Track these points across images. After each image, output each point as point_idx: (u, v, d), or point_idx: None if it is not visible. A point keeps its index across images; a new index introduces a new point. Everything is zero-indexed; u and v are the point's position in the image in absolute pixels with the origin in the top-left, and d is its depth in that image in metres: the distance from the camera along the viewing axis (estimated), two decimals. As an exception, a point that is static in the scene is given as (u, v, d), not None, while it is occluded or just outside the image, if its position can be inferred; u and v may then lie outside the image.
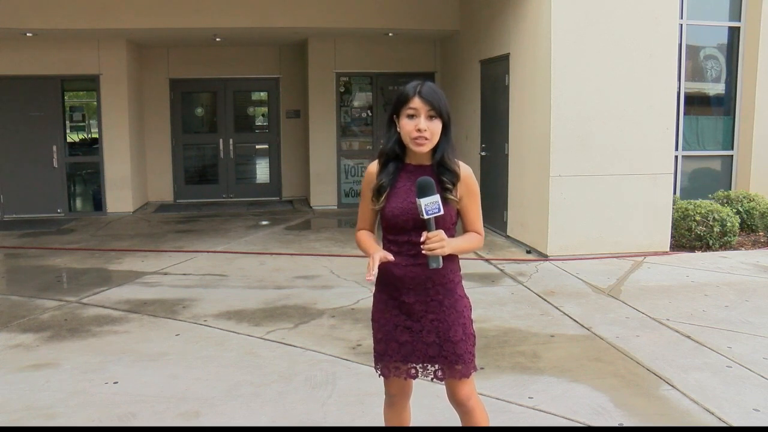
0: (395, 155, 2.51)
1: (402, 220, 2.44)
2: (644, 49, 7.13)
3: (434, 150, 2.47)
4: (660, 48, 7.18)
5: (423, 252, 2.35)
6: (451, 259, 2.51)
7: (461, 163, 2.51)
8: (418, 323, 2.52)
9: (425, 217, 2.32)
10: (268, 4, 9.52)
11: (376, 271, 2.34)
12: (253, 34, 10.44)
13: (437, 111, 2.40)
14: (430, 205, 2.32)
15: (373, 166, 2.57)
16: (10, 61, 10.10)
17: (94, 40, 10.21)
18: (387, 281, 2.54)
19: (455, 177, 2.47)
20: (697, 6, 8.95)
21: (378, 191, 2.50)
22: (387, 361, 2.57)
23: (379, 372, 2.62)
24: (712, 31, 9.25)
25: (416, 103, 2.40)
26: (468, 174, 2.51)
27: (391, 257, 2.39)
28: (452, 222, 2.49)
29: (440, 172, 2.46)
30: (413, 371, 2.57)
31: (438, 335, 2.50)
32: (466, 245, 2.52)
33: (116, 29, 9.42)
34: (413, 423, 2.93)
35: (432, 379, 2.58)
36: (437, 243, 2.34)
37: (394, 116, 2.48)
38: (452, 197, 2.45)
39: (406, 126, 2.41)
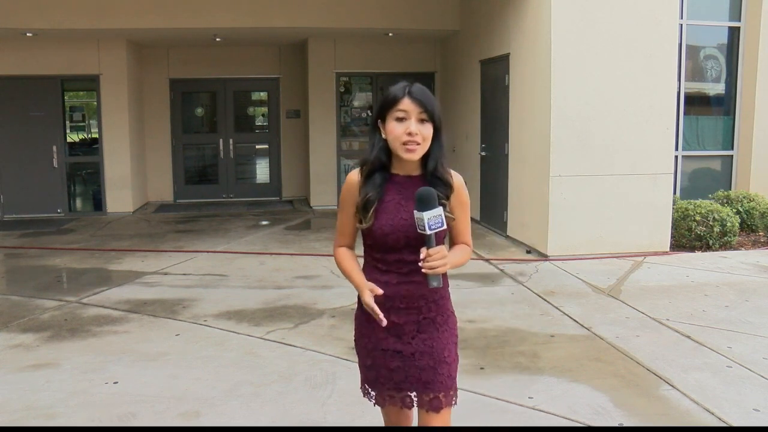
0: (381, 165, 2.24)
1: (392, 239, 2.20)
2: (644, 50, 7.13)
3: (425, 159, 2.22)
4: (660, 48, 7.18)
5: (423, 271, 2.10)
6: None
7: (453, 172, 2.29)
8: (409, 345, 2.26)
9: (428, 232, 2.07)
10: (268, 4, 9.52)
11: (382, 315, 2.19)
12: (253, 34, 10.44)
13: (429, 114, 2.16)
14: (434, 219, 2.07)
15: (354, 176, 2.29)
16: (10, 61, 10.10)
17: (94, 40, 10.21)
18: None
19: (450, 189, 2.24)
20: (697, 6, 8.95)
21: (365, 206, 2.22)
22: (380, 389, 2.33)
23: (374, 401, 2.39)
24: (712, 31, 9.25)
25: (406, 104, 2.15)
26: (460, 184, 2.30)
27: (378, 291, 2.20)
28: (444, 235, 2.24)
29: (433, 184, 2.20)
30: (408, 400, 2.31)
31: (432, 357, 2.26)
32: (461, 259, 2.31)
33: (116, 29, 9.42)
34: None
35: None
36: (439, 261, 2.09)
37: (379, 121, 2.23)
38: (448, 213, 2.21)
39: (395, 130, 2.16)
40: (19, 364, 4.34)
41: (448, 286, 2.33)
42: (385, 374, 2.30)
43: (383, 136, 2.21)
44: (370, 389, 2.37)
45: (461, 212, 2.31)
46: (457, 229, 2.32)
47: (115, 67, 10.35)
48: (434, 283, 2.12)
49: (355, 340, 2.40)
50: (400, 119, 2.16)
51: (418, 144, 2.16)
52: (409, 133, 2.14)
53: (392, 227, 2.20)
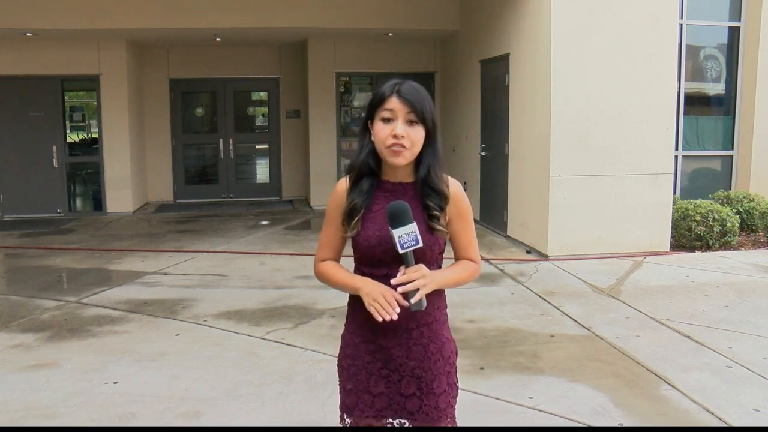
0: (369, 170, 2.05)
1: (380, 251, 2.00)
2: (644, 49, 7.13)
3: (417, 164, 2.03)
4: (660, 48, 7.18)
5: (399, 292, 1.93)
6: (438, 294, 2.08)
7: (450, 180, 2.08)
8: (396, 372, 2.07)
9: (401, 251, 1.91)
10: (268, 4, 9.53)
11: (395, 303, 1.94)
12: (253, 34, 10.44)
13: (419, 114, 1.96)
14: (406, 236, 1.90)
15: (343, 184, 2.11)
16: (10, 61, 10.09)
17: (94, 40, 10.21)
18: (362, 321, 2.07)
19: (444, 199, 2.03)
20: (697, 6, 8.95)
21: (350, 214, 2.04)
22: (357, 416, 2.10)
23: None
24: (712, 31, 9.25)
25: (393, 103, 1.96)
26: (458, 192, 2.08)
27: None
28: (440, 251, 2.08)
29: (425, 193, 2.02)
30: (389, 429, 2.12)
31: (420, 387, 2.06)
32: (456, 277, 2.10)
33: (116, 29, 9.42)
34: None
35: None
36: (419, 281, 1.92)
37: (369, 122, 2.04)
38: (440, 227, 2.02)
39: (381, 132, 1.97)
40: (19, 364, 4.34)
41: (445, 308, 2.16)
42: (367, 400, 2.09)
43: (372, 138, 2.02)
44: (346, 416, 2.13)
45: (461, 224, 2.10)
46: (458, 243, 2.14)
47: (115, 67, 10.35)
48: (415, 307, 1.93)
49: (338, 360, 2.19)
50: (386, 119, 1.97)
51: (405, 147, 1.96)
52: (394, 135, 1.95)
53: (379, 238, 1.99)
